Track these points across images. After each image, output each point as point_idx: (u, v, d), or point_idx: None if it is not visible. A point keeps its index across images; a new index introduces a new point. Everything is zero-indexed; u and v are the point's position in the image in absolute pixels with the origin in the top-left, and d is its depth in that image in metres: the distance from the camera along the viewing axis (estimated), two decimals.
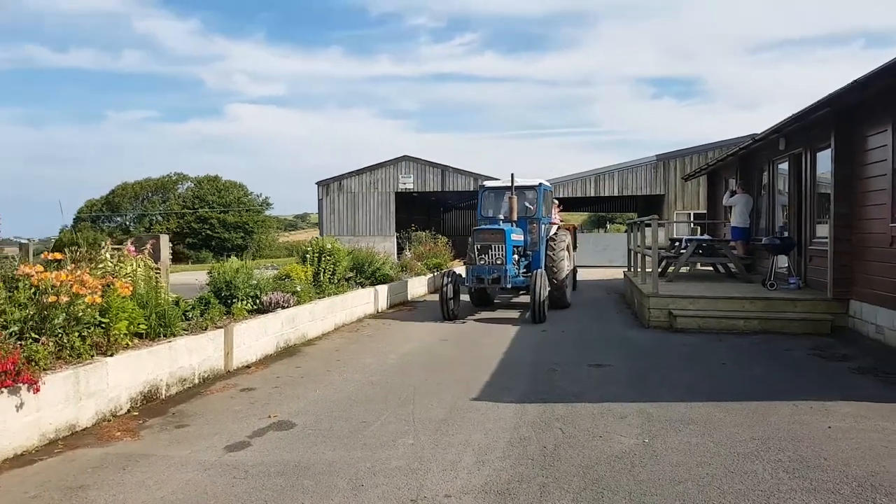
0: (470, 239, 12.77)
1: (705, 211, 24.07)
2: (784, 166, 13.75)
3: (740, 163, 16.52)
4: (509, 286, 12.35)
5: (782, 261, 12.78)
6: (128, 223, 66.49)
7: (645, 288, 11.79)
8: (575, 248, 17.26)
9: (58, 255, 6.81)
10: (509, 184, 13.54)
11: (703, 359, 8.45)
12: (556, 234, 14.43)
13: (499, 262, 12.19)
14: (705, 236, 16.76)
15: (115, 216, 67.63)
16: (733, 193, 15.62)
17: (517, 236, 13.03)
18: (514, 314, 13.28)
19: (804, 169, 12.07)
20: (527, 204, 14.09)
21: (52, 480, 4.55)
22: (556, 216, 16.71)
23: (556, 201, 18.26)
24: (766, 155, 14.47)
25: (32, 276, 6.02)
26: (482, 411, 6.11)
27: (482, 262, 12.29)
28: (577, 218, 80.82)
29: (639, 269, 14.21)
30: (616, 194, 31.40)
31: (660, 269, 15.25)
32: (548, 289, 12.40)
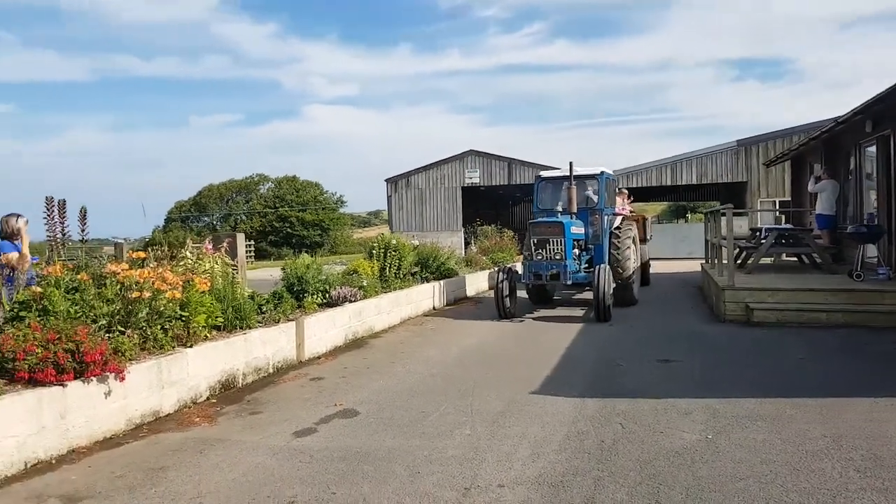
0: (526, 233, 12.13)
1: (790, 198, 23.04)
2: (872, 149, 13.01)
3: (825, 147, 15.73)
4: (570, 282, 11.63)
5: (871, 250, 12.10)
6: (214, 223, 69.47)
7: (720, 280, 11.44)
8: (645, 240, 16.31)
9: (141, 254, 7.26)
10: (567, 173, 12.67)
11: (779, 353, 8.15)
12: (620, 225, 13.60)
13: (558, 256, 11.47)
14: (787, 225, 16.07)
15: (202, 216, 70.83)
16: (818, 179, 14.90)
17: (577, 229, 12.25)
18: (577, 312, 12.61)
19: (893, 152, 11.39)
20: (587, 194, 13.19)
21: (136, 462, 4.90)
22: (626, 206, 15.88)
23: (626, 191, 17.46)
24: (853, 138, 13.72)
25: (118, 273, 6.45)
26: (541, 405, 6.13)
27: (539, 258, 11.57)
28: (657, 208, 78.82)
29: (716, 261, 13.77)
30: (695, 182, 30.45)
31: (739, 261, 14.77)
32: (612, 285, 11.47)
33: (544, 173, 14.02)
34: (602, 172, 13.21)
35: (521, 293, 12.98)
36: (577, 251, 12.18)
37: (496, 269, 12.51)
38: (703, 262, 17.01)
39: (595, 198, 13.16)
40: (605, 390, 6.62)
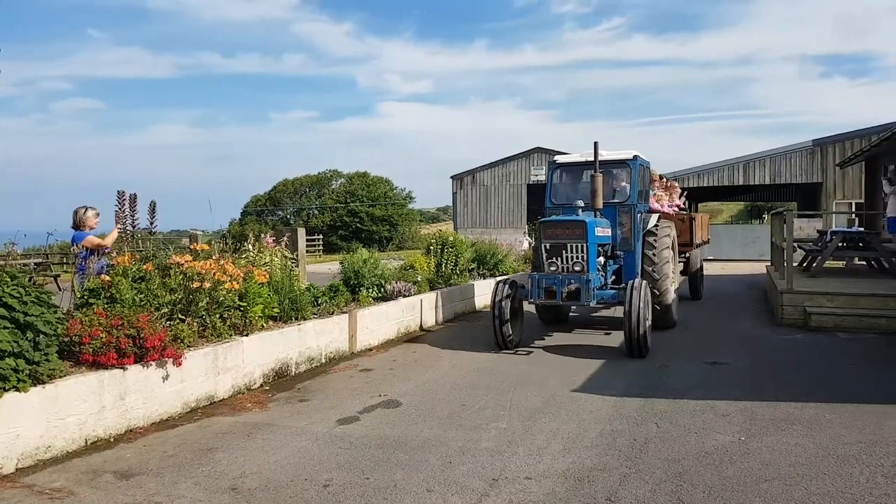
0: (535, 234, 9.70)
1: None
2: None
3: None
4: (593, 303, 8.64)
5: None
6: (288, 217, 71.53)
7: (779, 283, 11.15)
8: (694, 244, 13.19)
9: (205, 246, 7.71)
10: (591, 158, 9.60)
11: (831, 358, 7.94)
12: (656, 226, 10.65)
13: (577, 268, 8.58)
14: (854, 228, 15.41)
15: (276, 210, 73.03)
16: (891, 182, 14.25)
17: (603, 230, 9.31)
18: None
19: None
20: (616, 186, 10.36)
21: (188, 442, 5.27)
22: (675, 200, 13.20)
23: (675, 183, 14.37)
24: None
25: (182, 264, 6.90)
26: (579, 402, 6.22)
27: (553, 269, 8.71)
28: (733, 208, 76.10)
29: (780, 264, 13.39)
30: (767, 182, 29.45)
31: (805, 264, 14.30)
32: (650, 308, 8.80)
33: (560, 158, 10.91)
34: (635, 157, 10.29)
35: (529, 308, 9.90)
36: (602, 259, 9.40)
37: (498, 280, 9.48)
38: (768, 264, 16.51)
39: (627, 189, 10.26)
40: (647, 390, 6.63)
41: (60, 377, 5.07)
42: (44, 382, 4.93)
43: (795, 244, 18.42)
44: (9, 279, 5.15)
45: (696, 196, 35.06)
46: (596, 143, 9.46)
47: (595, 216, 9.36)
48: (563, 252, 8.76)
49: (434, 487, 4.34)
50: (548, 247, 8.85)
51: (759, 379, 7.04)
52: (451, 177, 37.57)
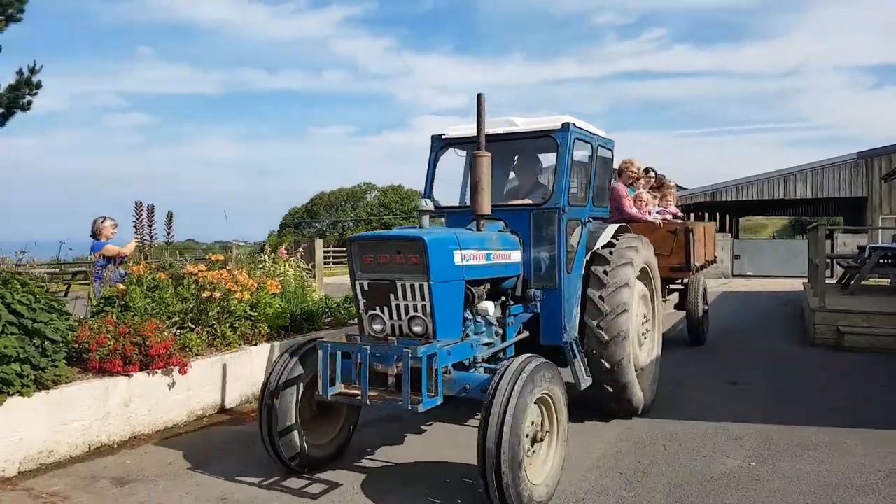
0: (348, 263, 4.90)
1: None
2: None
3: None
4: (438, 401, 4.26)
5: None
6: (324, 229, 72.47)
7: (812, 301, 10.76)
8: (695, 267, 8.83)
9: (220, 257, 7.79)
10: (500, 129, 5.85)
11: (860, 380, 7.60)
12: (612, 244, 6.17)
13: (417, 327, 4.60)
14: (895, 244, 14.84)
15: (313, 222, 74.10)
16: None
17: (484, 254, 5.05)
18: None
19: None
20: (540, 175, 6.32)
21: (189, 451, 5.28)
22: (669, 206, 9.64)
23: (671, 182, 10.14)
24: None
25: (196, 274, 6.97)
26: (587, 423, 6.04)
27: (378, 327, 4.73)
28: (777, 223, 74.26)
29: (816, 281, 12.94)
30: (809, 196, 28.62)
31: (843, 281, 13.81)
32: (558, 416, 4.50)
33: (452, 129, 6.34)
34: (565, 127, 5.72)
35: None
36: (489, 307, 5.03)
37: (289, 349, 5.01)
38: (805, 281, 16.01)
39: (551, 182, 5.80)
40: (660, 411, 6.40)
41: (66, 383, 5.14)
42: (49, 388, 5.00)
43: (835, 260, 17.83)
44: (19, 286, 5.27)
45: (736, 210, 34.31)
46: (480, 96, 5.12)
47: (478, 228, 5.21)
48: (388, 298, 4.64)
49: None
50: (365, 287, 4.73)
51: (780, 400, 6.77)
52: None
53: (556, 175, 5.64)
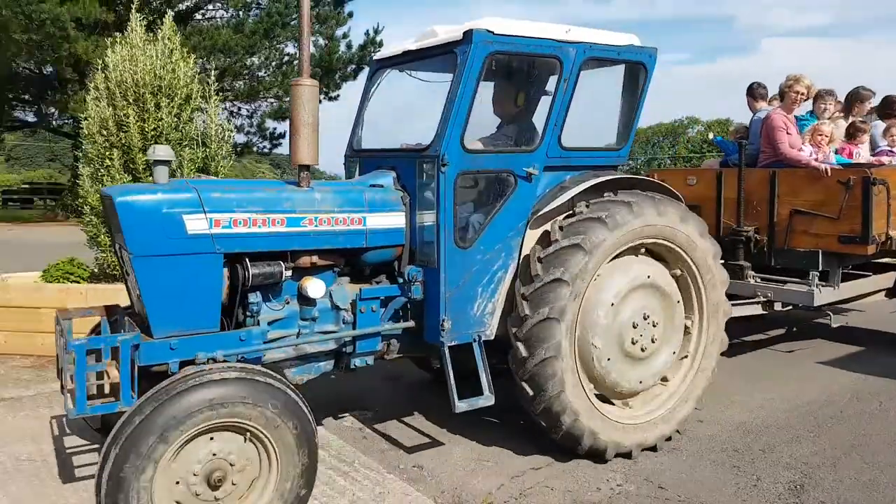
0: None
1: None
2: None
3: None
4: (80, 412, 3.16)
5: None
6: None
7: None
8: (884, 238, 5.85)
9: None
10: (430, 42, 4.34)
11: None
12: (587, 209, 4.13)
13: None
14: None
15: (628, 161, 72.33)
16: None
17: (267, 217, 3.66)
18: None
19: None
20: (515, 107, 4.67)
21: None
22: (861, 142, 6.61)
23: (866, 106, 7.15)
24: None
25: None
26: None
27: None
28: None
29: None
30: None
31: None
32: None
33: (387, 49, 5.12)
34: (468, 36, 3.90)
35: None
36: (307, 287, 3.79)
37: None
38: None
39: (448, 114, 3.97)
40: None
41: None
42: None
43: None
44: None
45: None
46: None
47: (300, 182, 3.86)
48: (127, 272, 3.83)
49: None
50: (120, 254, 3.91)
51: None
52: None
53: (444, 108, 3.98)
